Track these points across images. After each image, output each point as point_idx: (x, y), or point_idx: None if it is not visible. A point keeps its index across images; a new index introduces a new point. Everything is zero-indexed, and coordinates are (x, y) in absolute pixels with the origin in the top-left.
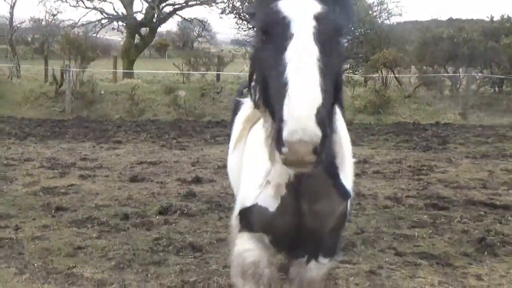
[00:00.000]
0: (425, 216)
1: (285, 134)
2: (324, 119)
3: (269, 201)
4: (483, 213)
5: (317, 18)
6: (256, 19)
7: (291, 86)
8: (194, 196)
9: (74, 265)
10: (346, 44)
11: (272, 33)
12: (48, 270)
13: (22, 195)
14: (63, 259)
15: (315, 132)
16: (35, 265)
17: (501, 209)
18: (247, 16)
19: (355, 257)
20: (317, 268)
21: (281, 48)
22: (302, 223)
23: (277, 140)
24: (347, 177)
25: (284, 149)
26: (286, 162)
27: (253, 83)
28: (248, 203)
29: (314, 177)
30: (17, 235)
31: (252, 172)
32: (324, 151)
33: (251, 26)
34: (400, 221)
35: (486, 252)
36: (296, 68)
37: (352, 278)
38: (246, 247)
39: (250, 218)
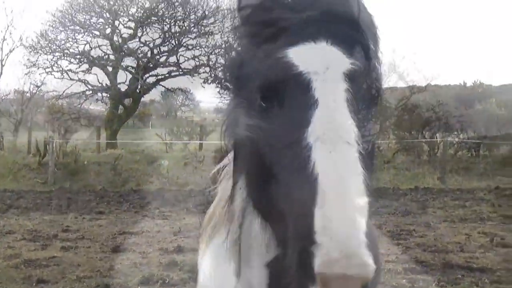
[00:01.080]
0: (404, 280)
1: (320, 263)
2: (375, 239)
3: None
4: (460, 276)
5: (349, 76)
6: (249, 73)
7: (325, 184)
8: (176, 265)
9: None
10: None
11: (280, 95)
12: None
13: (3, 268)
14: None
15: (367, 263)
16: None
17: (478, 272)
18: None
19: None
20: None
21: (298, 119)
22: None
23: (300, 272)
24: None
25: None
26: None
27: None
28: None
29: None
30: None
31: None
32: None
33: (227, 87)
34: (379, 287)
35: None
36: (330, 155)
37: None
38: None
39: None
